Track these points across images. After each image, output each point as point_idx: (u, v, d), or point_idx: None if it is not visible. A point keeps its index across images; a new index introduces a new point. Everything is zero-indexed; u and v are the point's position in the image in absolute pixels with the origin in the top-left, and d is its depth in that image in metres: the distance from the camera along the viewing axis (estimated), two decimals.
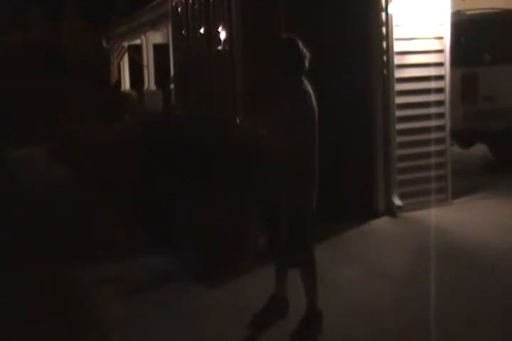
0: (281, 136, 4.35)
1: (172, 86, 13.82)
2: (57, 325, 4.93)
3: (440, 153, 7.70)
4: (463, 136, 9.10)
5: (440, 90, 7.66)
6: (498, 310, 4.87)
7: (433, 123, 7.61)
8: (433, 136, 7.62)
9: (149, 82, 18.61)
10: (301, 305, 4.58)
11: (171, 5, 12.88)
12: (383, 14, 7.27)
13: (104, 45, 21.12)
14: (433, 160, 7.61)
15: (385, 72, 7.34)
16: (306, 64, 4.37)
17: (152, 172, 7.54)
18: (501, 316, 4.77)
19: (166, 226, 6.61)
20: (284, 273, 4.74)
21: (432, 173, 7.60)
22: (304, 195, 4.37)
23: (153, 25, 16.68)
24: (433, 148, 7.63)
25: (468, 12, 9.48)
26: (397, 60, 7.36)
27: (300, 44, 4.39)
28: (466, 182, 8.53)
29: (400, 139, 7.44)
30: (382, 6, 7.27)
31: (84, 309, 5.25)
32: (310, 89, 4.37)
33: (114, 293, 5.49)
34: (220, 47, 10.16)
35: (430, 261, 5.75)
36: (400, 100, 7.41)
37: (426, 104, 7.57)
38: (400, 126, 7.43)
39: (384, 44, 7.30)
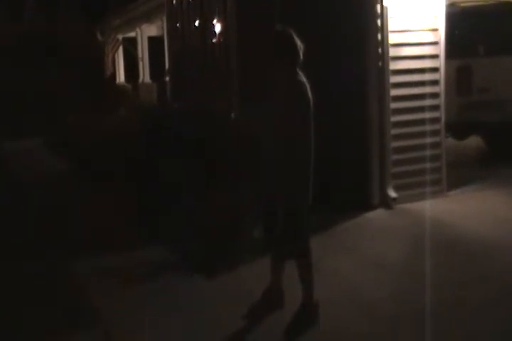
0: (277, 127, 4.36)
1: (167, 78, 13.81)
2: (56, 316, 4.95)
3: (435, 145, 7.72)
4: (457, 128, 9.11)
5: (435, 82, 7.67)
6: (492, 298, 4.92)
7: (428, 115, 7.63)
8: (428, 128, 7.63)
9: (144, 75, 18.56)
10: (297, 296, 4.61)
11: None
12: (378, 6, 7.27)
13: (99, 37, 21.06)
14: (428, 152, 7.62)
15: (380, 64, 7.35)
16: (301, 55, 4.38)
17: (148, 164, 7.56)
18: (496, 304, 4.82)
19: (163, 217, 6.63)
20: (280, 264, 4.76)
21: (427, 165, 7.62)
22: (299, 187, 4.38)
23: (148, 17, 16.65)
24: (428, 140, 7.64)
25: (463, 4, 9.49)
26: (392, 52, 7.36)
27: (294, 35, 4.40)
28: (461, 173, 8.55)
29: (394, 131, 7.46)
30: None
31: (83, 300, 5.27)
32: (305, 80, 4.38)
33: (113, 284, 5.52)
34: (214, 40, 10.17)
35: (425, 252, 5.78)
36: (394, 92, 7.42)
37: (421, 96, 7.58)
38: (394, 118, 7.45)
39: (379, 36, 7.30)
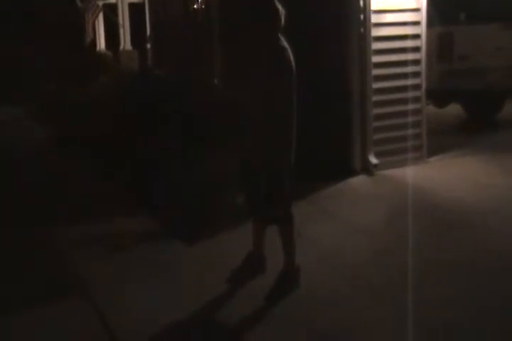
0: (260, 92, 4.35)
1: (148, 45, 13.71)
2: (40, 283, 4.97)
3: (416, 112, 7.75)
4: (438, 96, 9.15)
5: (416, 49, 7.67)
6: (472, 262, 5.01)
7: (409, 82, 7.64)
8: (409, 94, 7.66)
9: (125, 42, 18.40)
10: (278, 262, 4.66)
11: None
12: None
13: (78, 3, 20.76)
14: (409, 119, 7.66)
15: (361, 30, 7.33)
16: (282, 20, 4.36)
17: (129, 131, 7.54)
18: (475, 267, 4.91)
19: (145, 185, 6.64)
20: (262, 230, 4.80)
21: (408, 132, 7.66)
22: (281, 152, 4.40)
23: None
24: (409, 106, 7.67)
25: None
26: (374, 18, 7.33)
27: (275, 0, 4.37)
28: (441, 140, 8.60)
29: (376, 98, 7.48)
30: None
31: (67, 267, 5.29)
32: (287, 45, 4.37)
33: (96, 252, 5.54)
34: (196, 6, 10.09)
35: (406, 217, 5.83)
36: (376, 59, 7.41)
37: (402, 63, 7.59)
38: (376, 85, 7.46)
39: (361, 2, 7.27)
